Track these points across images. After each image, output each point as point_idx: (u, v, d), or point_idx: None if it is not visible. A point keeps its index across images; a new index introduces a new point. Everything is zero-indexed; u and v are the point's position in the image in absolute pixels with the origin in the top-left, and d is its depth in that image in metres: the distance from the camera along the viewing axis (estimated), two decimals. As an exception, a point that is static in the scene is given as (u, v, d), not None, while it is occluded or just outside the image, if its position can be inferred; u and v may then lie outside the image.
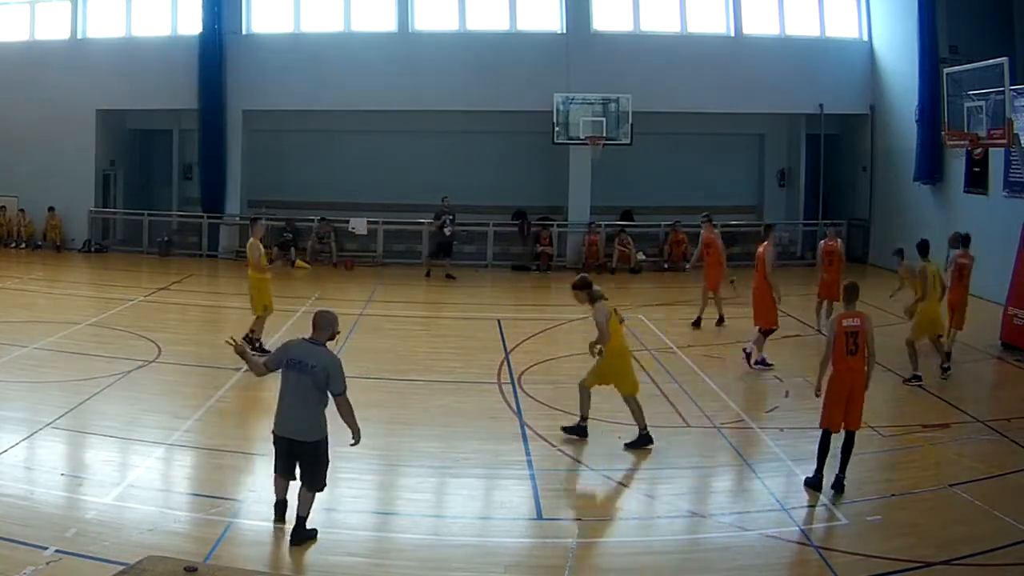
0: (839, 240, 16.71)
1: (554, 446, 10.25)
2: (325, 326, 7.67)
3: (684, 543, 8.13)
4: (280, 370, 7.73)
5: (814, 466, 9.01)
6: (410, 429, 10.98)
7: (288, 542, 7.67)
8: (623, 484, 9.37)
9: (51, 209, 25.12)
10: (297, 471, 7.74)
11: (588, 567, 7.58)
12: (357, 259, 24.39)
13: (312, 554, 7.60)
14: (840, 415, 8.89)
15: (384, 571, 7.43)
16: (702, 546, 8.13)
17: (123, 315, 16.97)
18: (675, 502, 8.91)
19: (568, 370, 13.74)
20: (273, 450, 7.83)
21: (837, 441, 8.97)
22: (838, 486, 8.90)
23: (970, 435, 10.76)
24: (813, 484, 9.00)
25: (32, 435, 10.03)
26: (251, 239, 14.23)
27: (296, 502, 7.75)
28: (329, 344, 7.76)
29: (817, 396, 9.10)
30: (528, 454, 10.06)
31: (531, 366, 13.66)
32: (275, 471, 7.91)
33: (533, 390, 12.43)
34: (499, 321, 16.08)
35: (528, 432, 10.72)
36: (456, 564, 7.58)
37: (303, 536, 7.70)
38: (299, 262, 23.70)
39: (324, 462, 7.73)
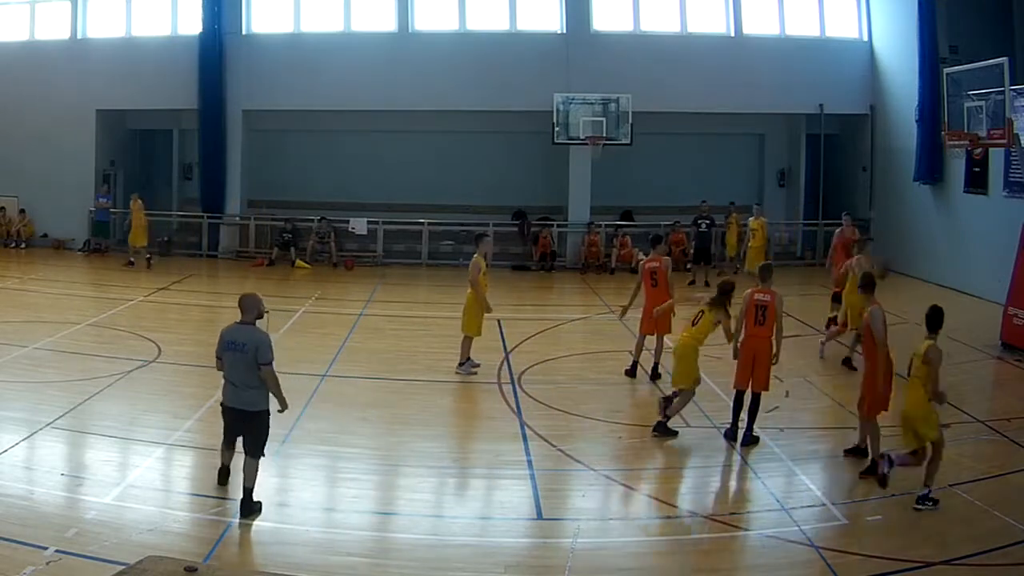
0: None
1: (554, 446, 10.25)
2: (251, 308, 8.48)
3: (684, 543, 8.13)
4: (224, 353, 8.46)
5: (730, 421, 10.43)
6: (410, 429, 10.99)
7: (240, 514, 8.21)
8: (623, 484, 9.36)
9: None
10: (240, 443, 8.57)
11: (588, 567, 7.58)
12: (357, 259, 24.40)
13: (312, 554, 7.60)
14: (747, 377, 10.21)
15: (384, 571, 7.44)
16: (702, 546, 8.13)
17: (123, 315, 16.97)
18: (675, 502, 8.90)
19: (568, 370, 13.78)
20: (222, 422, 8.63)
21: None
22: (746, 440, 10.16)
23: (970, 435, 10.75)
24: (727, 435, 10.37)
25: (32, 435, 10.03)
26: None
27: (243, 477, 8.35)
28: (259, 322, 8.54)
29: (735, 359, 10.44)
30: (528, 454, 10.06)
31: (531, 366, 13.65)
32: (222, 442, 8.75)
33: (533, 390, 12.43)
34: (499, 321, 16.07)
35: (528, 432, 10.71)
36: (456, 564, 7.58)
37: (251, 508, 8.29)
38: (299, 262, 23.78)
39: (265, 432, 8.48)
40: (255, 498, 8.32)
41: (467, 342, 13.22)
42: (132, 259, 22.90)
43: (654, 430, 10.58)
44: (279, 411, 8.56)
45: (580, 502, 8.97)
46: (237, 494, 8.74)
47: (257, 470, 8.34)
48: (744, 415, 10.35)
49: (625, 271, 23.74)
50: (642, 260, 13.70)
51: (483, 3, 24.96)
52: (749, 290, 10.73)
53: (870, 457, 9.38)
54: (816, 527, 8.24)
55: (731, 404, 10.61)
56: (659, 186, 25.78)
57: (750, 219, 20.33)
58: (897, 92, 23.27)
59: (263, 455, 8.44)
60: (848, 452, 9.91)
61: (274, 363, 8.34)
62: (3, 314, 16.46)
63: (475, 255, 13.22)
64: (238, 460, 8.63)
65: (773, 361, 10.45)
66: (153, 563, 5.58)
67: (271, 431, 9.95)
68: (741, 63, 24.25)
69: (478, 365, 13.22)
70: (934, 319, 8.92)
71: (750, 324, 10.34)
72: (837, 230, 17.46)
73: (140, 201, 23.17)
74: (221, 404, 8.57)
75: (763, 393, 10.37)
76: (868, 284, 10.09)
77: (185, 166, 27.79)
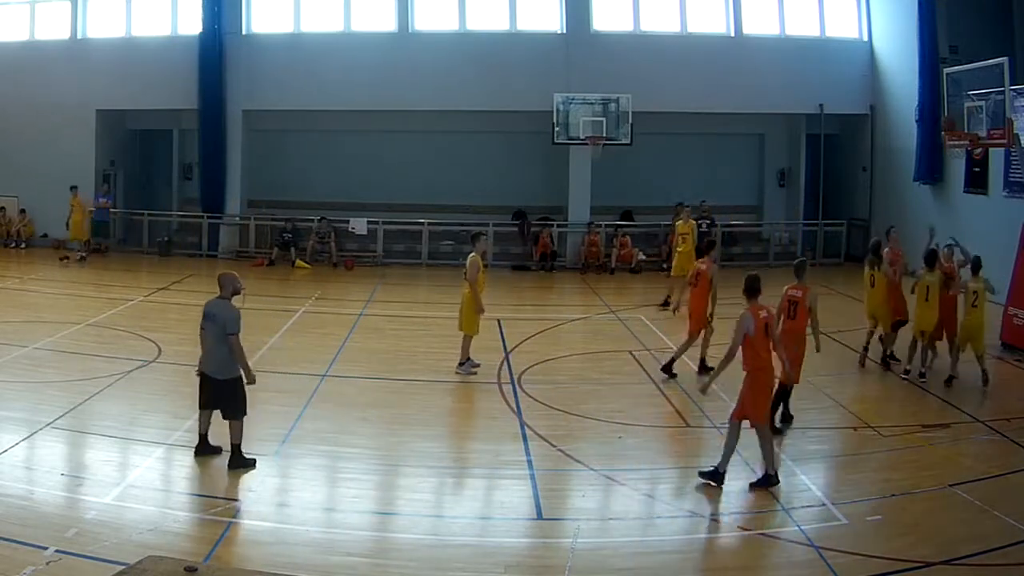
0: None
1: (554, 446, 10.25)
2: (226, 284, 9.43)
3: (684, 543, 8.13)
4: (203, 323, 9.43)
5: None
6: (410, 429, 10.99)
7: (229, 466, 9.22)
8: (623, 484, 9.35)
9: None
10: (217, 414, 9.40)
11: (588, 567, 7.58)
12: (357, 259, 24.40)
13: (312, 554, 7.61)
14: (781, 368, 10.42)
15: (384, 571, 7.44)
16: (702, 546, 8.14)
17: (123, 315, 16.96)
18: (675, 502, 8.90)
19: (568, 370, 13.78)
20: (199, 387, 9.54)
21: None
22: (786, 418, 10.90)
23: (970, 435, 10.76)
24: (782, 419, 10.81)
25: (32, 435, 10.03)
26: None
27: (230, 435, 9.34)
28: (235, 298, 9.45)
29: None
30: (528, 454, 10.06)
31: (531, 366, 13.65)
32: (199, 406, 9.54)
33: (533, 390, 12.43)
34: (499, 321, 16.09)
35: (528, 432, 10.71)
36: (456, 564, 7.58)
37: (239, 463, 9.22)
38: (299, 262, 23.78)
39: (239, 396, 9.31)
40: (249, 456, 9.31)
41: (467, 341, 13.23)
42: (67, 255, 23.37)
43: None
44: (247, 384, 9.31)
45: (580, 502, 8.98)
46: (238, 494, 8.78)
47: (241, 428, 9.27)
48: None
49: (625, 271, 23.77)
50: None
51: (483, 3, 24.95)
52: (785, 287, 11.05)
53: (765, 471, 9.15)
54: (816, 527, 8.24)
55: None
56: (659, 186, 25.74)
57: (678, 222, 19.04)
58: (897, 92, 23.27)
59: (243, 414, 9.30)
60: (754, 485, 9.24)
61: (241, 335, 9.21)
62: (3, 314, 16.46)
63: (472, 253, 13.23)
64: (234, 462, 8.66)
65: (816, 350, 11.19)
66: (153, 563, 5.57)
67: (271, 430, 10.18)
68: (741, 63, 24.23)
69: (478, 365, 13.22)
70: (979, 264, 12.96)
71: (784, 319, 10.81)
72: (886, 249, 14.34)
73: (80, 197, 23.54)
74: (198, 370, 9.53)
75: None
76: (752, 288, 9.45)
77: (185, 166, 27.76)
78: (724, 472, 9.09)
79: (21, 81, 24.79)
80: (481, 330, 13.49)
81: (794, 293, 10.97)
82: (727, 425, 10.42)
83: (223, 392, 9.29)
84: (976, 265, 12.97)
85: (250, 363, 9.48)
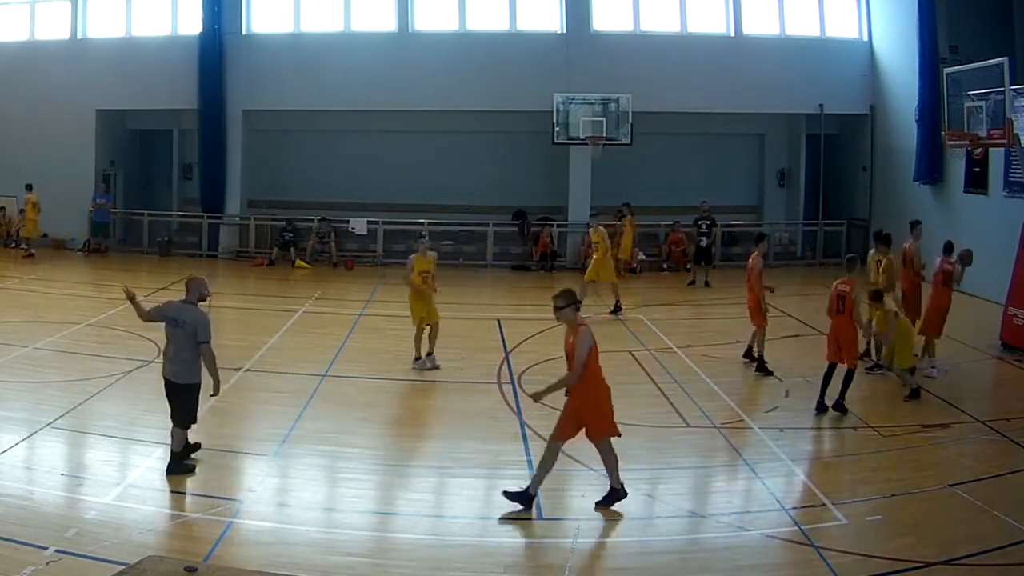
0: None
1: (554, 446, 10.24)
2: (194, 289, 9.23)
3: (684, 543, 8.13)
4: (166, 327, 9.14)
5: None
6: (410, 429, 10.99)
7: (166, 472, 8.98)
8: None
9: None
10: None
11: (588, 567, 7.57)
12: (357, 259, 24.40)
13: (312, 554, 7.60)
14: (835, 353, 11.45)
15: (384, 571, 7.44)
16: (702, 546, 8.13)
17: (123, 315, 16.91)
18: (675, 502, 8.90)
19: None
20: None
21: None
22: (836, 406, 11.31)
23: (970, 435, 10.76)
24: (817, 408, 11.35)
25: (32, 435, 10.03)
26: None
27: (171, 441, 9.15)
28: (201, 304, 9.22)
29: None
30: (528, 454, 10.07)
31: (531, 366, 13.64)
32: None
33: (533, 390, 12.36)
34: (499, 321, 16.08)
35: (528, 432, 10.71)
36: (456, 564, 7.58)
37: (176, 469, 8.99)
38: (299, 262, 23.79)
39: (189, 405, 9.09)
40: (192, 461, 9.17)
41: (432, 332, 13.42)
42: (32, 251, 23.93)
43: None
44: (211, 395, 9.17)
45: (580, 502, 8.97)
46: (239, 494, 8.78)
47: (184, 438, 9.12)
48: (829, 389, 11.46)
49: (625, 271, 23.72)
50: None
51: (483, 3, 24.96)
52: (835, 282, 11.81)
53: (609, 485, 8.70)
54: (816, 527, 8.23)
55: (820, 379, 11.53)
56: (659, 186, 25.75)
57: (589, 230, 18.55)
58: (897, 92, 23.27)
59: (190, 423, 9.12)
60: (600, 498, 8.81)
61: (211, 342, 9.02)
62: (3, 314, 16.46)
63: (412, 255, 13.57)
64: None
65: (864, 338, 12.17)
66: (153, 563, 5.58)
67: (271, 430, 10.17)
68: (741, 63, 24.23)
69: (419, 359, 13.28)
70: (888, 239, 13.55)
71: (833, 312, 11.60)
72: (906, 244, 14.84)
73: (35, 195, 23.86)
74: (162, 375, 9.26)
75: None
76: (574, 302, 8.67)
77: (185, 166, 27.78)
78: (535, 495, 8.54)
79: (21, 81, 24.79)
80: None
81: (843, 288, 11.54)
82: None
83: (177, 397, 9.05)
84: (887, 239, 13.57)
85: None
